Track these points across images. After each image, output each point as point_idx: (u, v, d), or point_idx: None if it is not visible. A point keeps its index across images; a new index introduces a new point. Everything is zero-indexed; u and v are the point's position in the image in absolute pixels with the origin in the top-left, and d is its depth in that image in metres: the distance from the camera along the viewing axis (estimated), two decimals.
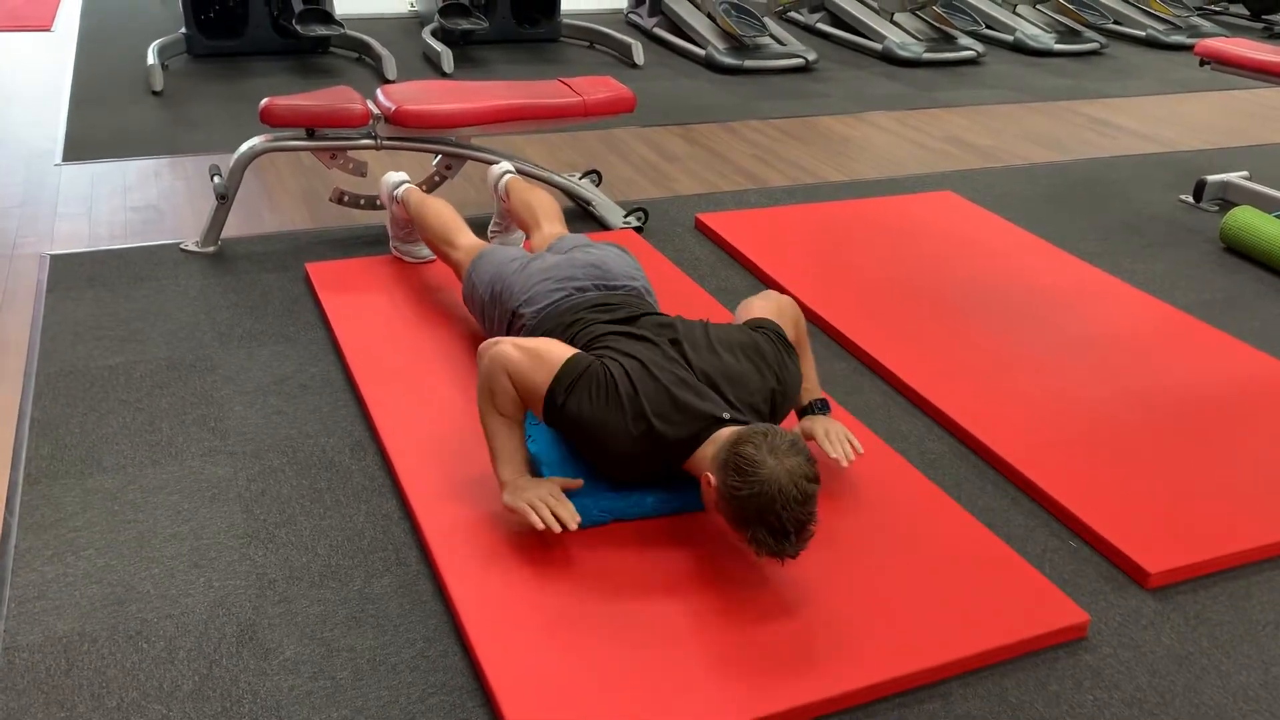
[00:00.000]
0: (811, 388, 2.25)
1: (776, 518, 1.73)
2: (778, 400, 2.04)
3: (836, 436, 2.15)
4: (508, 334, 2.37)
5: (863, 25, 6.43)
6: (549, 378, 1.94)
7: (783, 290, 3.11)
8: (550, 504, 1.91)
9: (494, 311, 2.42)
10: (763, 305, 2.22)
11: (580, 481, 2.01)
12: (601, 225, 3.52)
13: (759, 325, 2.14)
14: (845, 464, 2.10)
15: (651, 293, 2.43)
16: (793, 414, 2.26)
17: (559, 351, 1.99)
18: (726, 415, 1.92)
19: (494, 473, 2.01)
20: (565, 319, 2.22)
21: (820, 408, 2.23)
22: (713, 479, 1.82)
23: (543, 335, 2.23)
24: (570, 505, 1.92)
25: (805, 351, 2.26)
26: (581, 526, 1.95)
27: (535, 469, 2.12)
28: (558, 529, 1.87)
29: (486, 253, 2.58)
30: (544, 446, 2.15)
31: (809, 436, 2.17)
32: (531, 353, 1.98)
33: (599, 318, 2.20)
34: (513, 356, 1.96)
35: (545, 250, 2.55)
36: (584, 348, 2.10)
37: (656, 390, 1.93)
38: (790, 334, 2.17)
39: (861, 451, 2.16)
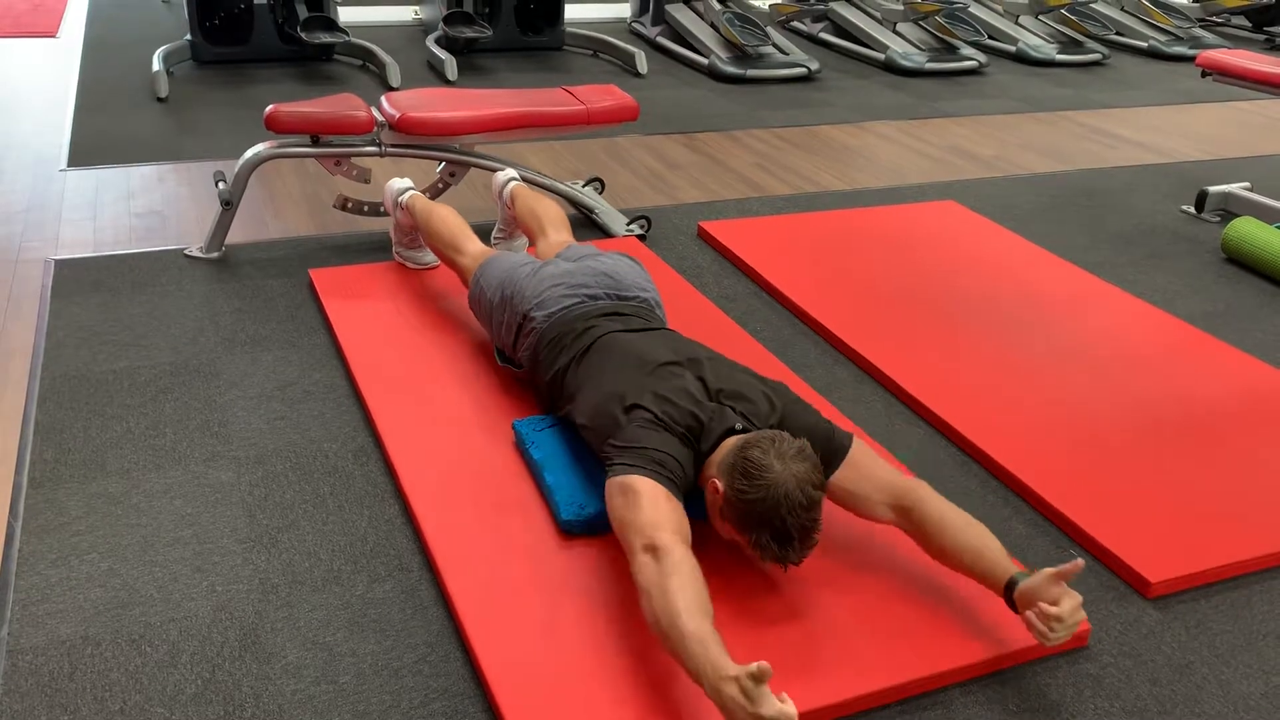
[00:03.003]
0: (1004, 562, 1.80)
1: (782, 522, 1.74)
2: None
3: (1072, 623, 1.66)
4: (516, 339, 2.37)
5: (865, 35, 6.45)
6: (661, 491, 1.78)
7: (784, 296, 3.12)
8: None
9: (502, 315, 2.42)
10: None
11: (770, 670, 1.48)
12: (604, 233, 3.53)
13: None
14: (1049, 642, 1.67)
15: (661, 305, 2.44)
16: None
17: (639, 483, 1.79)
18: (739, 426, 1.93)
19: (707, 682, 1.51)
20: (577, 326, 2.23)
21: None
22: (719, 484, 1.82)
23: (553, 341, 2.24)
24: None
25: (951, 526, 1.85)
26: (590, 537, 1.96)
27: (538, 475, 2.13)
28: None
29: (495, 258, 2.58)
30: (547, 453, 2.16)
31: (1038, 600, 1.69)
32: (638, 510, 1.74)
33: (611, 326, 2.21)
34: (667, 527, 1.71)
35: (555, 257, 2.56)
36: (599, 369, 2.09)
37: (680, 413, 1.94)
38: (907, 493, 1.90)
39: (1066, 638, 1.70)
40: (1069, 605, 1.66)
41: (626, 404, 1.97)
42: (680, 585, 1.62)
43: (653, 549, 1.68)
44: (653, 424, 1.90)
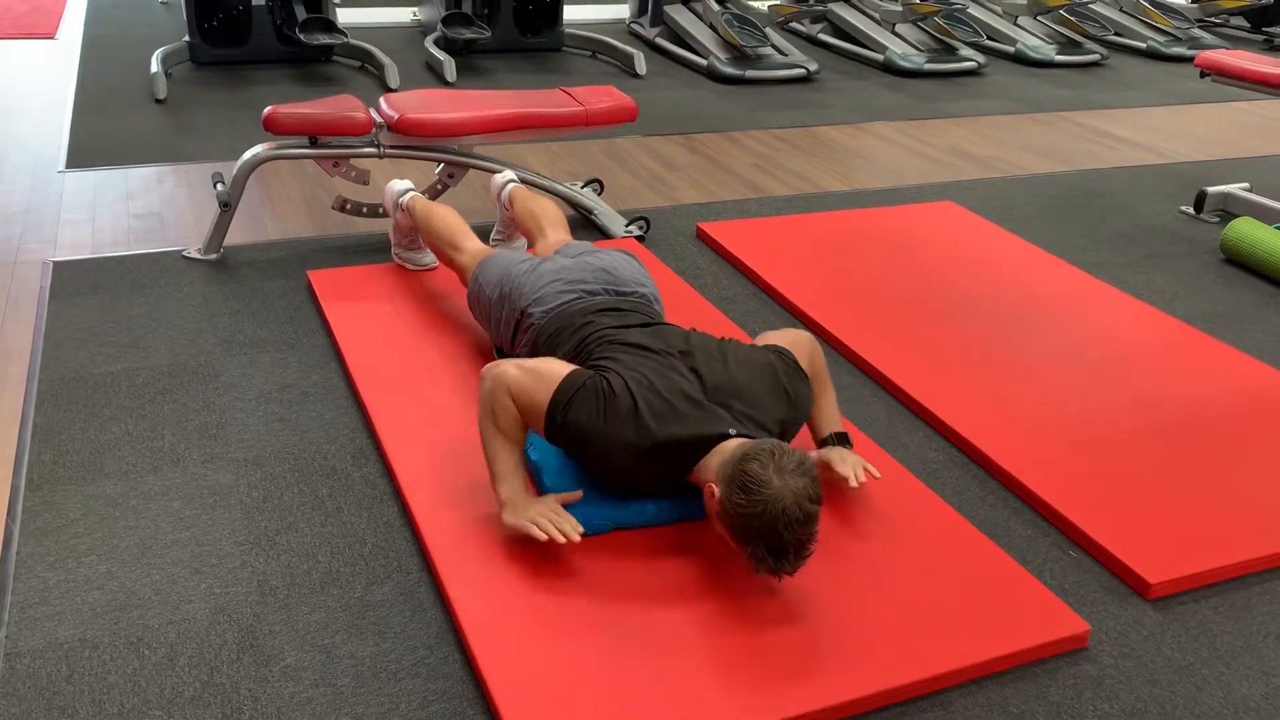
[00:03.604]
0: (831, 421, 2.22)
1: (778, 537, 1.74)
2: (787, 426, 2.05)
3: (852, 461, 2.13)
4: (515, 335, 2.37)
5: (864, 36, 6.45)
6: (549, 394, 1.94)
7: (783, 297, 3.12)
8: (551, 519, 1.90)
9: (501, 312, 2.42)
10: (778, 335, 2.22)
11: (579, 494, 1.99)
12: (603, 234, 3.53)
13: (774, 348, 2.14)
14: (854, 483, 2.06)
15: (659, 300, 2.44)
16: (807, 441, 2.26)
17: (558, 368, 1.99)
18: (733, 431, 1.92)
19: (494, 492, 1.99)
20: (575, 321, 2.23)
21: (838, 440, 2.18)
22: (716, 492, 1.81)
23: (551, 336, 2.25)
24: (571, 518, 1.91)
25: (825, 386, 2.23)
26: (584, 535, 1.96)
27: (537, 477, 2.13)
28: (561, 540, 1.87)
29: (493, 255, 2.59)
30: (545, 454, 2.15)
31: (824, 462, 2.12)
32: (531, 371, 1.98)
33: (608, 322, 2.21)
34: (513, 375, 1.97)
35: (554, 254, 2.55)
36: (592, 355, 2.10)
37: (661, 404, 1.93)
38: (805, 364, 2.15)
39: (878, 476, 2.14)
40: (843, 469, 2.09)
41: (606, 370, 2.01)
42: (500, 429, 1.97)
43: (506, 388, 1.96)
44: (610, 395, 1.94)
